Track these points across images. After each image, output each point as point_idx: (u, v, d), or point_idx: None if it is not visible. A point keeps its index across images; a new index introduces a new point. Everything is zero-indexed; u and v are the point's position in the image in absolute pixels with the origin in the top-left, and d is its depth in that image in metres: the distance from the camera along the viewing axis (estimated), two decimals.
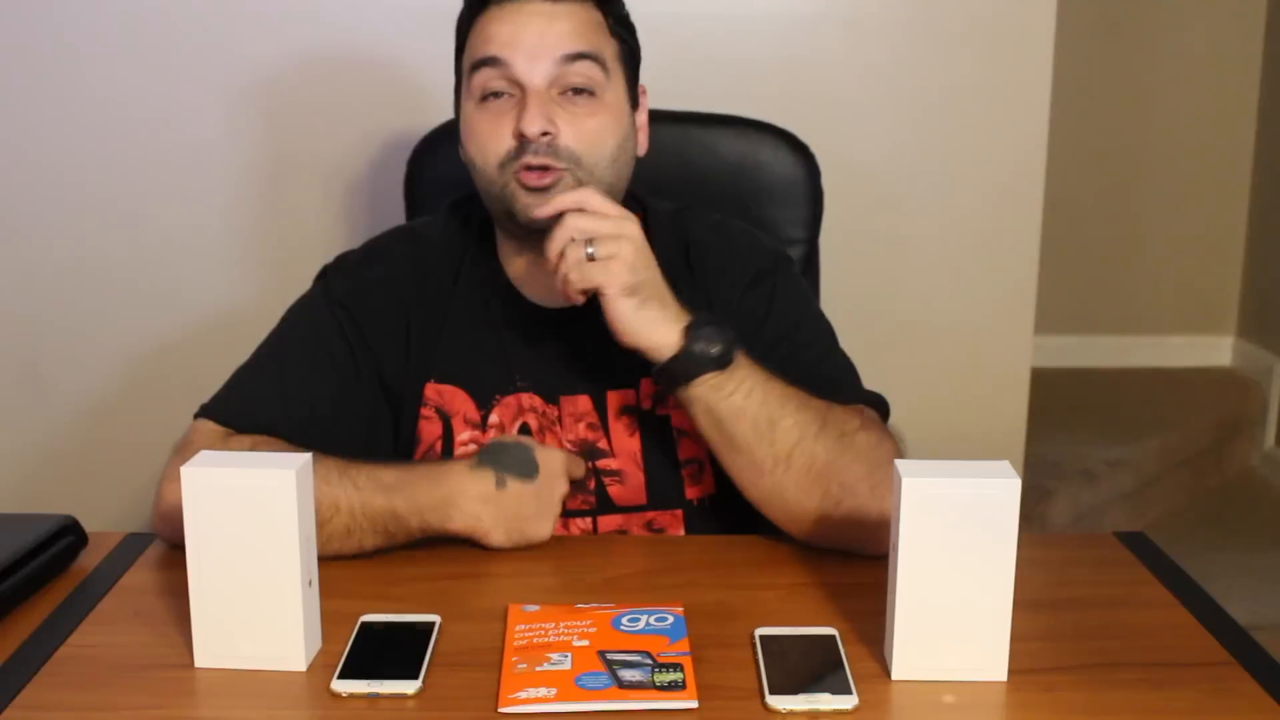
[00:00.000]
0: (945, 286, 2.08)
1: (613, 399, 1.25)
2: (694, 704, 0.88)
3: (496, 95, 1.19)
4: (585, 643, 0.95)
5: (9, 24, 1.90)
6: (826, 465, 1.11)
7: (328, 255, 1.34)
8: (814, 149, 1.54)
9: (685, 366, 1.10)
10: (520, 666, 0.92)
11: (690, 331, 1.10)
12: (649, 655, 0.93)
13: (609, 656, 0.93)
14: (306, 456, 0.93)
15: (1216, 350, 3.52)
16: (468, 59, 1.21)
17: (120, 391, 2.02)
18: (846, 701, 0.88)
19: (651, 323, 1.11)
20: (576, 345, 1.25)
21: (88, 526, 1.14)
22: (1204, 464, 3.07)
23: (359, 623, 0.98)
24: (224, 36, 1.92)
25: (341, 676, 0.91)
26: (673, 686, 0.89)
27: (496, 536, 1.13)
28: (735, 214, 1.38)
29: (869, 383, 1.26)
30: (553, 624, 0.98)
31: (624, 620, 0.98)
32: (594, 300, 1.12)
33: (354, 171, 1.97)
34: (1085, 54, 3.19)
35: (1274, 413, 3.25)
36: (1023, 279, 2.09)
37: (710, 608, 1.03)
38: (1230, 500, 3.03)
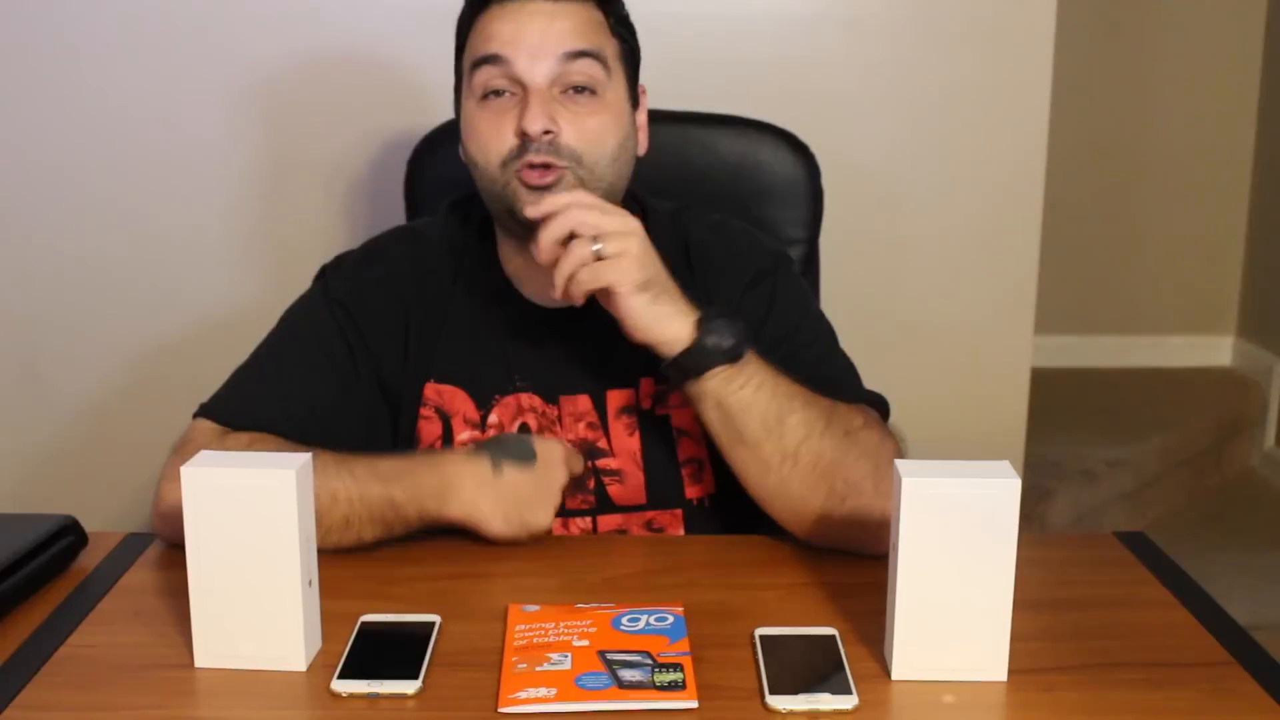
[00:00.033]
0: (945, 286, 2.07)
1: (612, 398, 1.25)
2: (694, 704, 0.88)
3: (498, 94, 1.19)
4: (585, 643, 0.95)
5: (9, 24, 1.90)
6: (832, 462, 1.11)
7: (328, 255, 1.34)
8: (814, 149, 1.54)
9: (698, 360, 1.10)
10: (520, 666, 0.92)
11: (703, 325, 1.10)
12: (649, 655, 0.93)
13: (609, 656, 0.93)
14: (306, 456, 0.93)
15: (1216, 350, 3.52)
16: (468, 57, 1.21)
17: (120, 391, 2.02)
18: (846, 701, 0.88)
19: (665, 317, 1.10)
20: (576, 345, 1.25)
21: (88, 526, 1.14)
22: (1204, 464, 3.07)
23: (359, 623, 0.98)
24: (224, 36, 1.92)
25: (341, 676, 0.91)
26: (673, 686, 0.89)
27: (495, 524, 1.12)
28: (735, 214, 1.38)
29: (869, 383, 1.26)
30: (553, 624, 0.98)
31: (624, 620, 0.98)
32: (593, 300, 1.12)
33: (354, 171, 1.97)
34: (1085, 54, 3.19)
35: (1274, 413, 3.25)
36: (1023, 279, 2.09)
37: (710, 608, 1.03)
38: (1230, 500, 3.03)
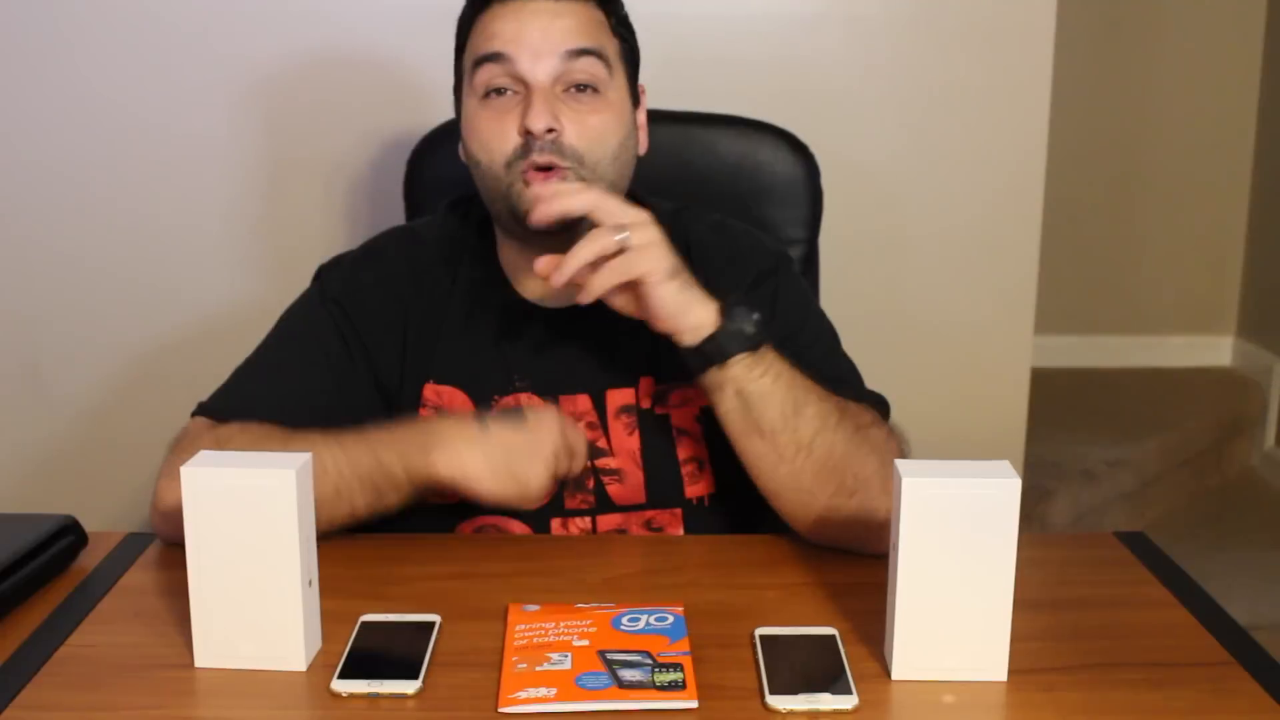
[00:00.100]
0: (945, 286, 2.08)
1: (612, 398, 1.25)
2: (694, 704, 0.88)
3: (500, 92, 1.19)
4: (585, 642, 0.95)
5: (9, 24, 1.90)
6: (844, 457, 1.11)
7: (327, 255, 1.34)
8: (814, 149, 1.54)
9: (723, 345, 1.09)
10: (520, 666, 0.92)
11: (726, 311, 1.10)
12: (649, 655, 0.93)
13: (609, 656, 0.93)
14: (306, 456, 0.93)
15: (1216, 350, 3.52)
16: (470, 56, 1.21)
17: (120, 391, 2.02)
18: (846, 701, 0.88)
19: (692, 304, 1.10)
20: (575, 344, 1.25)
21: (88, 526, 1.14)
22: (1204, 464, 3.07)
23: (359, 623, 0.98)
24: (224, 36, 1.92)
25: (341, 676, 0.90)
26: (673, 686, 0.89)
27: (485, 479, 1.10)
28: (735, 214, 1.38)
29: (869, 383, 1.26)
30: (553, 624, 0.98)
31: (624, 620, 0.98)
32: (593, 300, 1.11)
33: (354, 171, 1.97)
34: (1085, 54, 3.19)
35: (1274, 413, 3.25)
36: (1023, 279, 2.09)
37: (710, 608, 1.03)
38: (1230, 500, 3.03)
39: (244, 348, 1.27)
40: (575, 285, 1.09)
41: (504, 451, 1.10)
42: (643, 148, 1.28)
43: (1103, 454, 2.79)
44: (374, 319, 1.26)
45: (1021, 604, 0.90)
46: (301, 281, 1.32)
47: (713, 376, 1.11)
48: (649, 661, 0.92)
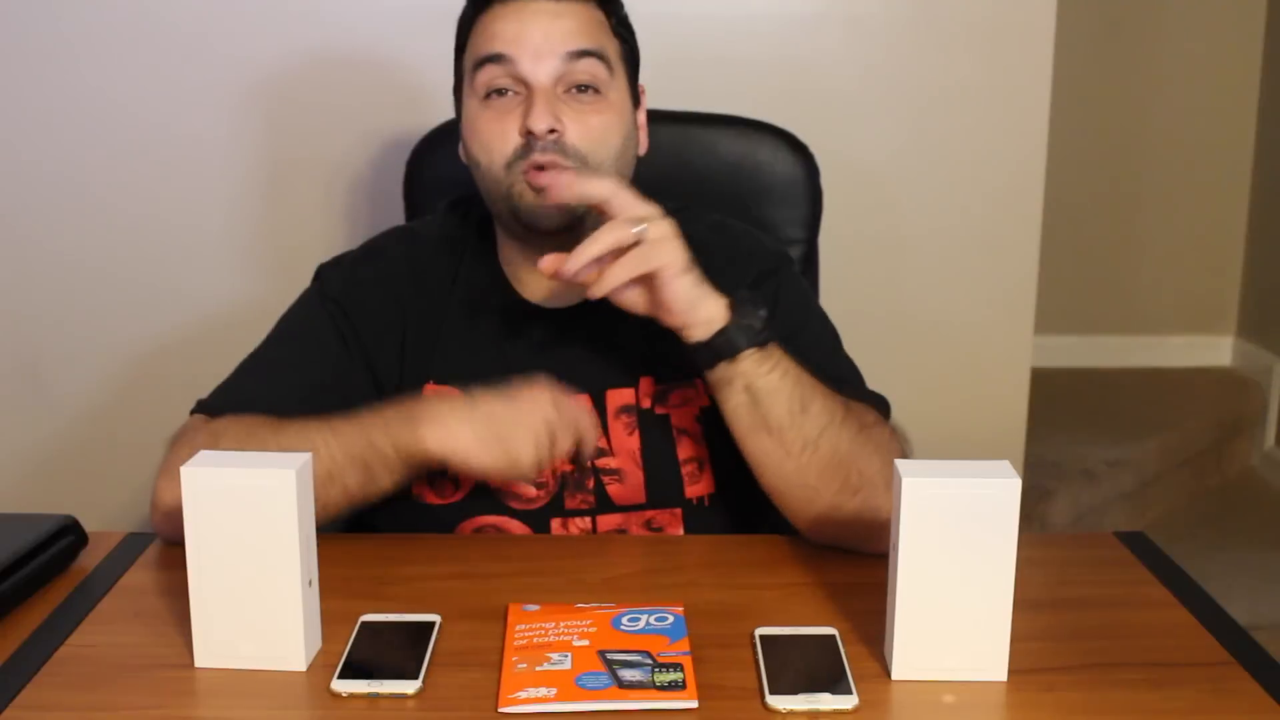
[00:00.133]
0: (945, 286, 2.08)
1: (612, 398, 1.25)
2: (694, 704, 0.88)
3: (501, 93, 1.19)
4: (585, 642, 0.95)
5: (9, 24, 1.90)
6: (849, 454, 1.11)
7: (328, 255, 1.34)
8: (814, 149, 1.54)
9: (734, 340, 1.09)
10: (520, 666, 0.92)
11: (736, 306, 1.10)
12: (649, 655, 0.93)
13: (609, 656, 0.93)
14: (306, 456, 0.93)
15: (1216, 350, 3.52)
16: (471, 57, 1.21)
17: (120, 391, 2.02)
18: (846, 701, 0.88)
19: (704, 297, 1.09)
20: (575, 344, 1.25)
21: (88, 526, 1.14)
22: (1204, 464, 3.07)
23: (359, 623, 0.98)
24: (224, 36, 1.92)
25: (341, 676, 0.91)
26: (673, 686, 0.89)
27: (474, 452, 1.09)
28: (735, 214, 1.38)
29: (869, 383, 1.26)
30: (553, 624, 0.98)
31: (624, 620, 0.98)
32: (589, 300, 1.11)
33: (354, 171, 1.97)
34: (1085, 54, 3.19)
35: (1274, 413, 3.25)
36: (1023, 279, 2.09)
37: (710, 608, 1.03)
38: (1230, 500, 3.03)
39: (244, 348, 1.27)
40: (578, 284, 1.09)
41: (492, 423, 1.10)
42: (643, 148, 1.28)
43: (1103, 454, 2.79)
44: (372, 318, 1.26)
45: (1021, 604, 0.90)
46: (301, 281, 1.32)
47: (722, 371, 1.11)
48: (649, 661, 0.92)
